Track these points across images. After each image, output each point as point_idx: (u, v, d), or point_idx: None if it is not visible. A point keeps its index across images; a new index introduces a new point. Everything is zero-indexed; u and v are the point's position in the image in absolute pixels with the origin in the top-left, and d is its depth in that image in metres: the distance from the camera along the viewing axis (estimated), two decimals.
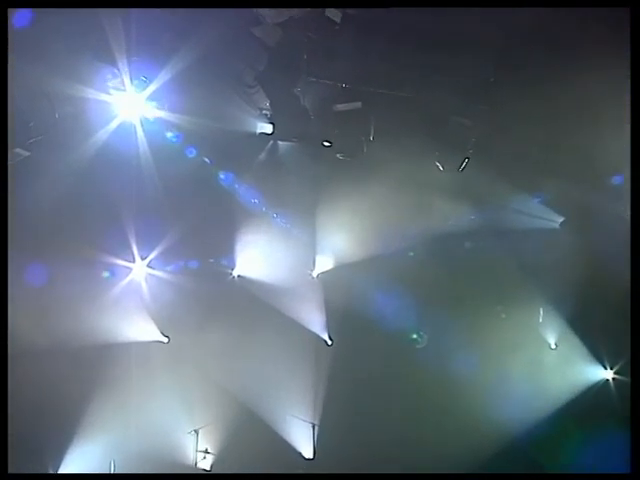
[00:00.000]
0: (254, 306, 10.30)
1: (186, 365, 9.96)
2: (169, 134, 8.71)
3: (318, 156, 9.44)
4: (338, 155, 9.35)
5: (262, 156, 9.57)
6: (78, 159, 8.27)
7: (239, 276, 10.59)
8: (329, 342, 10.68)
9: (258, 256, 10.43)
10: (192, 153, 9.17)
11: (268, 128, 9.05)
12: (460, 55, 8.15)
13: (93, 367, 9.42)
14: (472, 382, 10.13)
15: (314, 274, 10.76)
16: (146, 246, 9.79)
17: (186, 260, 10.34)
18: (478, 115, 8.98)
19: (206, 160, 9.43)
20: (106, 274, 9.73)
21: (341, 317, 10.63)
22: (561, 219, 10.39)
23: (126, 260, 9.81)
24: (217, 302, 10.25)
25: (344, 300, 10.60)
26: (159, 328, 10.06)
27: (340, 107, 8.86)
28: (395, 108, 8.96)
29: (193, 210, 9.70)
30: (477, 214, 10.30)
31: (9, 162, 7.31)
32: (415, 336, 10.87)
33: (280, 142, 9.47)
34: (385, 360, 10.54)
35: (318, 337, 10.63)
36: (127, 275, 9.93)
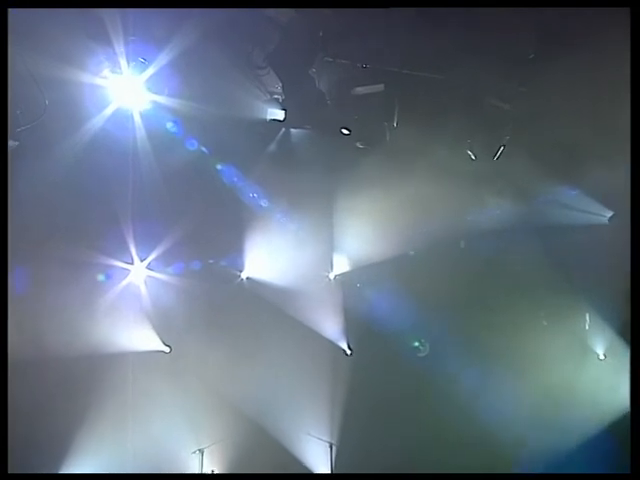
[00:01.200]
0: (265, 311, 10.10)
1: (190, 377, 9.77)
2: (169, 123, 8.54)
3: (335, 145, 9.26)
4: (358, 144, 9.21)
5: (273, 146, 9.38)
6: (70, 149, 8.11)
7: (248, 278, 10.39)
8: (348, 352, 10.52)
9: (269, 256, 10.20)
10: (195, 144, 8.98)
11: (280, 114, 8.86)
12: (494, 29, 7.82)
13: (86, 380, 9.23)
14: (511, 396, 9.88)
15: (331, 276, 10.60)
16: (145, 246, 9.60)
17: (190, 261, 10.13)
18: (516, 97, 8.76)
19: (210, 151, 9.34)
20: (101, 277, 9.57)
21: (361, 324, 10.42)
22: (610, 213, 10.16)
23: (123, 261, 9.65)
24: (224, 307, 10.06)
25: (365, 305, 10.42)
26: (160, 336, 9.91)
27: (360, 90, 8.68)
28: (421, 90, 8.75)
29: (197, 206, 9.52)
30: (515, 208, 10.00)
31: None
32: (417, 344, 10.68)
33: (293, 130, 9.29)
34: (411, 373, 10.28)
35: (336, 346, 10.46)
36: (125, 278, 9.77)
